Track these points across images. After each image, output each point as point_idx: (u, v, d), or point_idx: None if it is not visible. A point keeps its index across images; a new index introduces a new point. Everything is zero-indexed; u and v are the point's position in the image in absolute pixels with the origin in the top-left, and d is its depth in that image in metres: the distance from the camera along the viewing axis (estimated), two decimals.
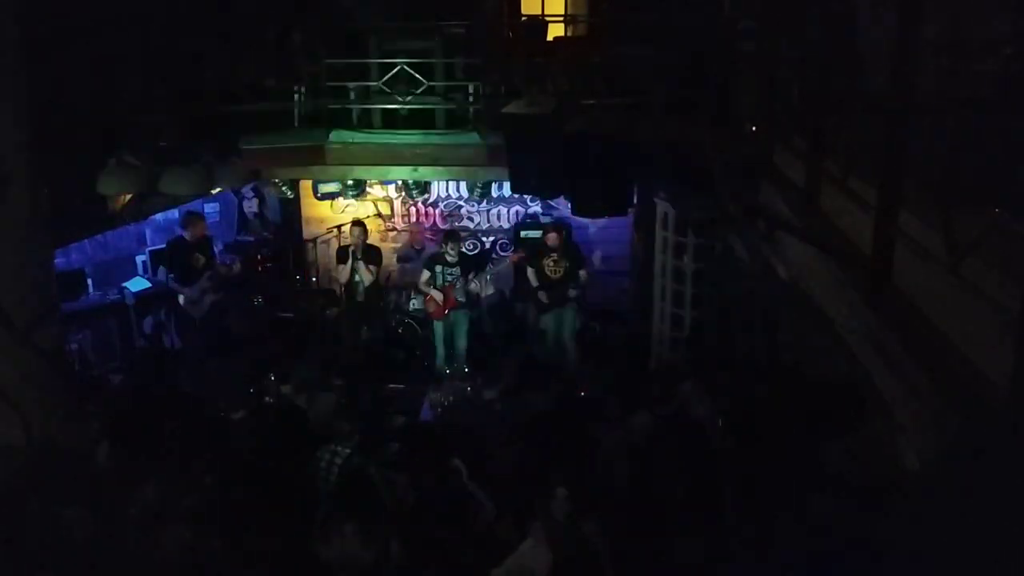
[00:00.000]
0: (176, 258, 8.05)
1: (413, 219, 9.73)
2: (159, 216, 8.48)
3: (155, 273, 8.39)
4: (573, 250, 8.31)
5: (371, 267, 8.20)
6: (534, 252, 8.37)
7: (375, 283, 8.35)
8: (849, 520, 3.16)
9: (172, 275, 8.02)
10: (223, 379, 6.40)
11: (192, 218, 8.08)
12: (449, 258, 8.23)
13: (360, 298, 8.34)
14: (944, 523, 2.26)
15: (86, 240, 8.15)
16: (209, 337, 8.58)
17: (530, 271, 8.29)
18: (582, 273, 8.14)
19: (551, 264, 8.17)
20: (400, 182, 9.24)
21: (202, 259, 8.23)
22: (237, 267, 8.73)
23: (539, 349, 8.39)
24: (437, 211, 9.72)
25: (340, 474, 4.91)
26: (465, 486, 4.74)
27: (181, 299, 8.09)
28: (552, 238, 8.16)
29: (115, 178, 5.64)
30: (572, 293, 8.07)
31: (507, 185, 8.31)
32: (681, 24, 6.21)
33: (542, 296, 8.16)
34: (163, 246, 8.39)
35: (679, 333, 7.66)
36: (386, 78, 6.96)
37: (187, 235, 8.10)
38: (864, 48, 3.97)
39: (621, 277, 9.38)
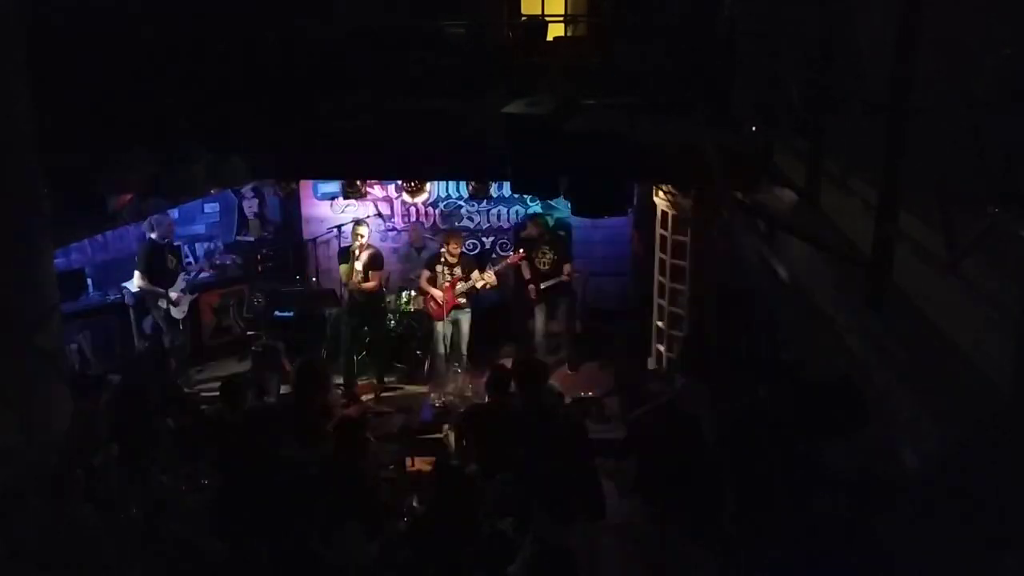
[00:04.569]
0: (151, 262, 8.05)
1: (413, 219, 9.74)
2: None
3: (140, 278, 8.24)
4: (558, 239, 8.44)
5: (374, 273, 8.23)
6: (526, 246, 8.63)
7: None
8: (849, 520, 3.16)
9: (147, 278, 8.01)
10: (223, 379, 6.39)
11: (161, 218, 8.06)
12: (449, 258, 8.25)
13: (360, 299, 8.35)
14: (944, 523, 2.26)
15: (86, 240, 8.15)
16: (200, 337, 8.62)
17: (523, 265, 8.51)
18: (566, 267, 8.28)
19: (538, 256, 8.33)
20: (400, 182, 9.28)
21: (174, 260, 8.25)
22: (205, 267, 8.87)
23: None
24: (437, 211, 9.72)
25: (341, 474, 4.91)
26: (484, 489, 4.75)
27: (162, 302, 8.10)
28: (529, 230, 8.40)
29: (115, 178, 5.63)
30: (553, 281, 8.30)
31: (507, 185, 8.34)
32: (681, 24, 6.21)
33: (532, 289, 8.31)
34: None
35: (678, 332, 7.67)
36: None
37: (156, 236, 8.09)
38: (864, 48, 3.97)
39: (621, 277, 9.39)
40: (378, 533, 4.58)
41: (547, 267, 8.36)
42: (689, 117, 5.52)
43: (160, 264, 8.06)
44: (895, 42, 2.85)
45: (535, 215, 8.84)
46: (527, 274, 8.45)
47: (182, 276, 8.38)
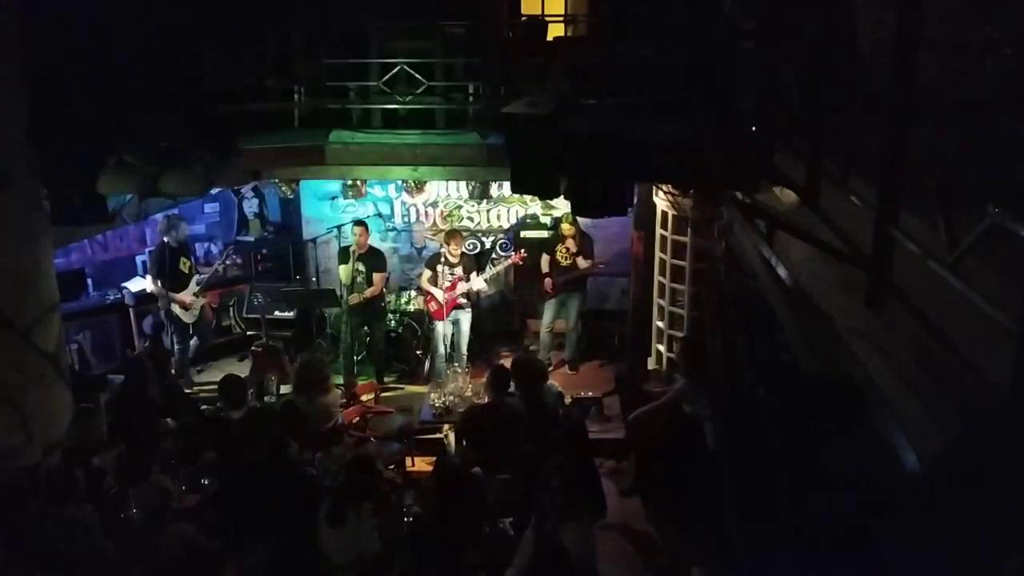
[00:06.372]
0: (163, 265, 8.04)
1: (413, 219, 9.74)
2: (159, 216, 8.48)
3: (151, 281, 8.26)
4: (586, 239, 8.53)
5: (377, 275, 8.22)
6: (550, 239, 8.70)
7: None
8: (849, 520, 3.16)
9: (160, 281, 8.01)
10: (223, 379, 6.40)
11: (174, 222, 8.06)
12: (450, 258, 8.25)
13: (360, 299, 8.35)
14: (944, 523, 2.26)
15: (86, 240, 8.15)
16: (205, 338, 8.61)
17: (544, 258, 8.55)
18: (582, 262, 8.37)
19: (564, 251, 8.34)
20: (400, 182, 9.28)
21: (188, 263, 8.23)
22: (220, 267, 8.84)
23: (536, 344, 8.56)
24: (437, 211, 9.72)
25: (350, 464, 4.93)
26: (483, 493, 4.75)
27: (174, 307, 8.09)
28: (566, 227, 8.40)
29: (115, 178, 5.63)
30: (577, 270, 8.38)
31: (507, 185, 8.34)
32: (681, 24, 6.21)
33: (548, 283, 8.28)
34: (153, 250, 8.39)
35: (678, 332, 7.67)
36: (386, 78, 6.96)
37: (170, 240, 8.08)
38: (864, 48, 3.97)
39: (621, 277, 9.39)
40: (383, 526, 4.59)
41: (568, 262, 8.40)
42: (689, 117, 5.52)
43: (173, 268, 8.04)
44: (895, 42, 2.84)
45: (566, 215, 8.85)
46: (545, 268, 8.49)
47: (195, 279, 8.35)
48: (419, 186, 9.54)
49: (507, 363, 6.47)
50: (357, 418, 6.98)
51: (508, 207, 9.61)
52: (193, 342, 8.45)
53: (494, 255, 9.38)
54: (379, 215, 9.62)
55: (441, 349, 8.41)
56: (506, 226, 9.67)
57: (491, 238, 9.66)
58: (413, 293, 9.19)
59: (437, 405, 7.52)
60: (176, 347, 8.26)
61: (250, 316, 9.13)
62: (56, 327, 5.78)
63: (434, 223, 9.70)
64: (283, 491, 4.76)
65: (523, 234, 9.39)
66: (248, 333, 9.10)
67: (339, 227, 9.05)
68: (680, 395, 6.46)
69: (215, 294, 9.13)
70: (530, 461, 4.91)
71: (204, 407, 6.65)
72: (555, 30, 8.12)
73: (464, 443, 5.77)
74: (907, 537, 2.58)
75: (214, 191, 8.18)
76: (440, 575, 4.25)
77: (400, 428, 6.88)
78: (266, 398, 7.31)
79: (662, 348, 7.99)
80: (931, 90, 3.02)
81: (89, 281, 8.49)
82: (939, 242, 2.47)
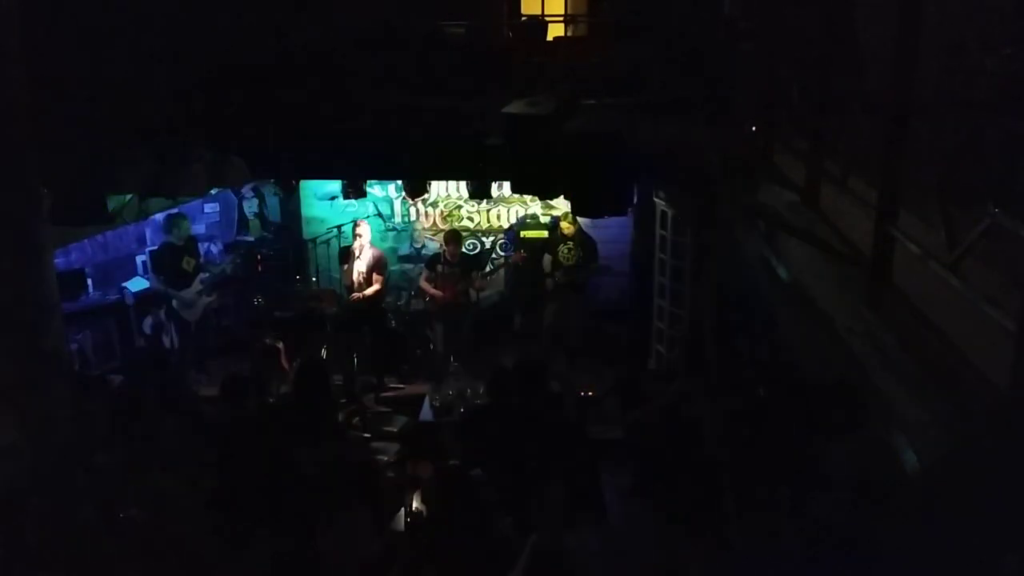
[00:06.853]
0: (165, 263, 8.04)
1: (413, 219, 9.74)
2: (159, 216, 8.47)
3: (155, 279, 8.28)
4: (588, 240, 8.43)
5: (377, 277, 8.23)
6: (551, 239, 8.66)
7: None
8: (849, 520, 3.16)
9: (163, 279, 8.01)
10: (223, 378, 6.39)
11: (176, 220, 8.07)
12: (449, 258, 8.26)
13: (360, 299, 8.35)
14: (944, 523, 2.26)
15: (86, 240, 8.15)
16: (206, 338, 8.60)
17: (546, 258, 8.49)
18: (592, 267, 8.29)
19: (566, 251, 8.30)
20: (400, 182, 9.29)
21: (192, 262, 8.22)
22: (228, 268, 8.81)
23: (536, 345, 8.54)
24: (437, 211, 9.72)
25: (350, 464, 4.93)
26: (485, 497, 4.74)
27: (175, 303, 8.09)
28: (567, 227, 8.36)
29: (115, 178, 5.64)
30: (582, 276, 8.36)
31: (507, 185, 8.35)
32: (680, 24, 6.21)
33: (550, 283, 8.26)
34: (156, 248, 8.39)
35: (678, 332, 7.68)
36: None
37: (172, 238, 8.08)
38: (864, 48, 3.97)
39: (621, 277, 9.39)
40: (383, 526, 4.59)
41: (570, 262, 8.38)
42: (689, 117, 5.52)
43: (175, 266, 8.04)
44: (895, 42, 2.84)
45: (565, 214, 8.86)
46: (547, 267, 8.47)
47: (199, 278, 8.34)
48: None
49: (507, 363, 6.47)
50: (357, 418, 6.98)
51: (508, 207, 9.62)
52: (194, 342, 8.46)
53: (494, 255, 9.38)
54: (379, 215, 9.62)
55: (441, 349, 8.41)
56: (506, 226, 9.67)
57: (491, 238, 9.67)
58: (413, 293, 9.19)
59: (437, 405, 7.52)
60: (176, 347, 8.25)
61: (250, 316, 9.13)
62: (56, 327, 5.77)
63: (434, 223, 9.70)
64: (283, 491, 4.75)
65: (523, 234, 9.39)
66: (248, 333, 9.10)
67: (339, 227, 9.05)
68: (680, 395, 6.46)
69: (216, 294, 9.13)
70: (530, 461, 4.90)
71: (204, 407, 6.65)
72: (555, 30, 8.12)
73: (464, 443, 5.77)
74: (907, 537, 2.58)
75: (214, 191, 8.18)
76: (440, 575, 4.25)
77: (400, 428, 6.88)
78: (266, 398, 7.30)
79: (662, 348, 7.99)
80: (931, 90, 3.02)
81: (89, 281, 8.49)
82: (939, 242, 2.48)
